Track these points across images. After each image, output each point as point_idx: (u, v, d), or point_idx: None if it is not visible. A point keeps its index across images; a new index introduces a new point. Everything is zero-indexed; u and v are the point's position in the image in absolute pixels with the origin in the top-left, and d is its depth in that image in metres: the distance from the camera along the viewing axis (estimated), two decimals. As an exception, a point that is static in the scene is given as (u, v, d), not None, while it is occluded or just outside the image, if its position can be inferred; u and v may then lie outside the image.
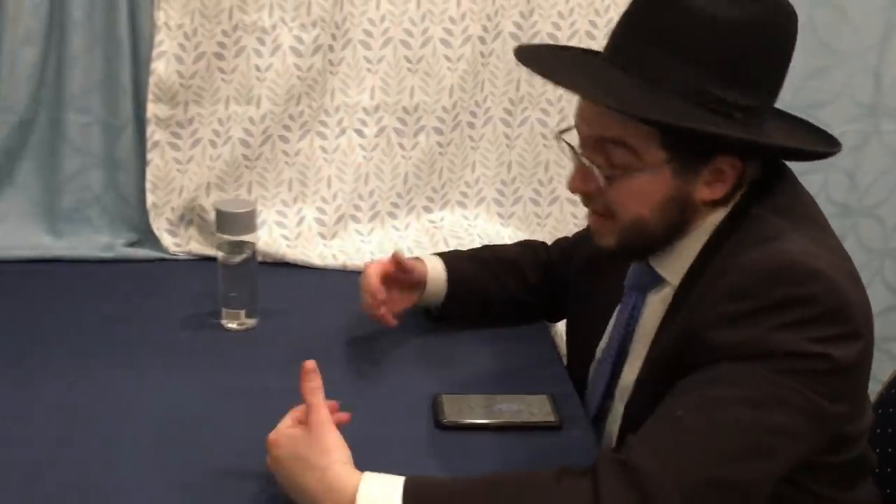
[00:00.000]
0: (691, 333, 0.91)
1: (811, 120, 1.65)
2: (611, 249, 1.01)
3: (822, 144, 1.03)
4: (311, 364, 0.92)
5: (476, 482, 0.85)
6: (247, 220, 1.27)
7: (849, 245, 1.82)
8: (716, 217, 0.97)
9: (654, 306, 1.04)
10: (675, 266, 1.01)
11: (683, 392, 0.88)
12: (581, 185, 0.99)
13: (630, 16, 0.95)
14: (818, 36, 1.70)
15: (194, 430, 1.05)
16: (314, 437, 0.88)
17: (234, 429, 1.05)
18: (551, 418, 1.10)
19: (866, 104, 1.77)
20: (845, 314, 0.86)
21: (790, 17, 0.93)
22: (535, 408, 1.12)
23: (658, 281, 1.04)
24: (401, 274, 1.26)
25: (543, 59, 1.04)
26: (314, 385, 0.91)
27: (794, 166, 1.09)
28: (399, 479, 0.84)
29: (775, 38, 0.92)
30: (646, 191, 0.95)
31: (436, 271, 1.30)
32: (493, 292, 1.33)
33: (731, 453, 0.84)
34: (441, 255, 1.35)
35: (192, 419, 1.07)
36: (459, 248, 1.63)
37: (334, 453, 0.87)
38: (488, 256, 1.36)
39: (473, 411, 1.11)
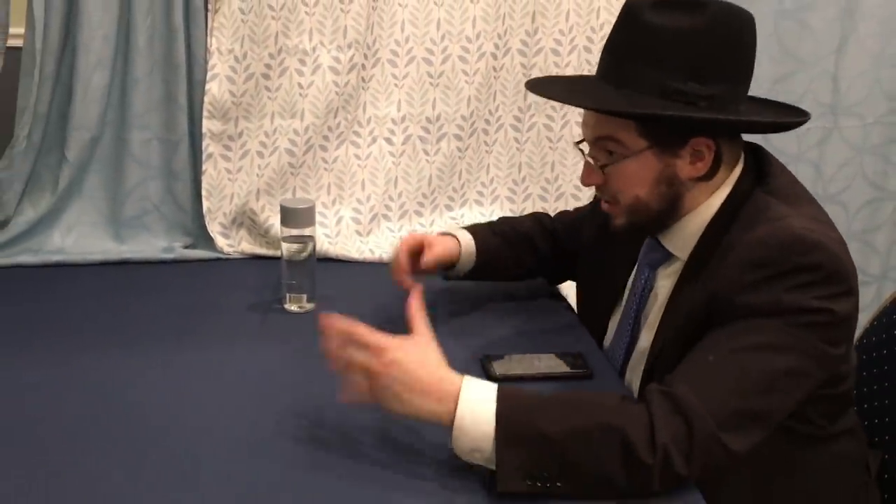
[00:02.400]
0: (716, 299, 1.08)
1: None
2: (624, 228, 1.22)
3: (787, 117, 1.23)
4: (415, 294, 1.10)
5: (555, 395, 1.04)
6: (308, 215, 1.45)
7: (817, 230, 2.07)
8: (715, 199, 1.16)
9: (665, 279, 1.23)
10: (681, 242, 1.20)
11: (712, 342, 1.06)
12: (587, 178, 1.21)
13: (610, 39, 1.18)
14: (783, 45, 1.93)
15: (278, 390, 1.22)
16: (425, 342, 1.05)
17: (311, 388, 1.21)
18: (583, 369, 1.29)
19: (827, 104, 2.00)
20: (841, 276, 1.05)
21: (736, 20, 1.13)
22: (569, 362, 1.30)
23: (667, 257, 1.23)
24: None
25: (547, 86, 1.29)
26: (418, 314, 1.08)
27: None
28: (494, 384, 1.02)
29: (723, 39, 1.11)
30: (635, 173, 1.15)
31: (468, 246, 1.47)
32: (511, 263, 1.52)
33: (754, 389, 1.01)
34: (470, 229, 1.50)
35: (274, 382, 1.24)
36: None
37: (440, 357, 1.04)
38: (507, 230, 1.53)
39: (518, 366, 1.29)
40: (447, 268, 1.47)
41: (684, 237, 1.19)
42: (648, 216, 1.18)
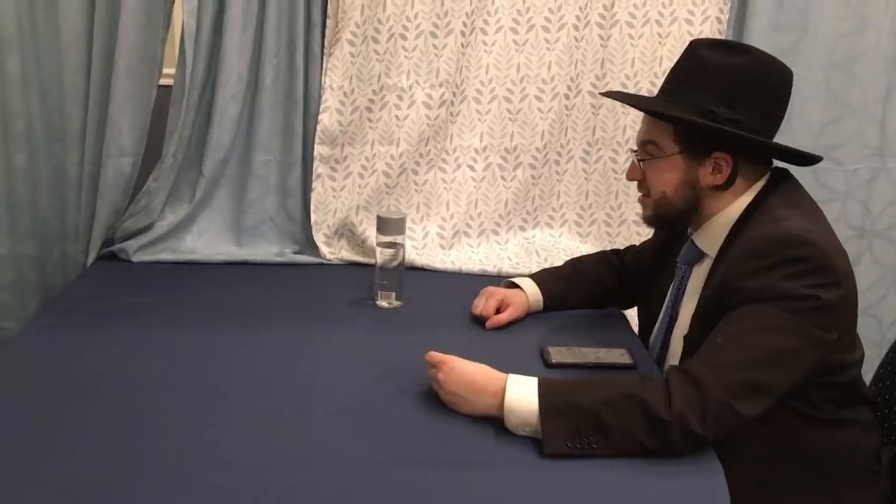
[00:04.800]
0: (725, 284, 1.30)
1: (831, 157, 2.08)
2: (649, 218, 1.47)
3: (797, 152, 1.42)
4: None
5: (585, 378, 1.27)
6: (399, 225, 1.71)
7: (865, 263, 2.22)
8: (738, 206, 1.38)
9: (698, 276, 1.45)
10: (711, 241, 1.42)
11: (721, 328, 1.27)
12: (630, 173, 1.47)
13: (673, 67, 1.45)
14: (832, 93, 2.11)
15: (368, 370, 1.44)
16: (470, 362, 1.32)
17: (402, 366, 1.43)
18: (628, 361, 1.49)
19: (874, 146, 2.15)
20: (828, 269, 1.25)
21: (771, 69, 1.36)
22: (616, 354, 1.51)
23: (700, 255, 1.45)
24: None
25: (615, 94, 1.56)
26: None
27: (817, 195, 1.44)
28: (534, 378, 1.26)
29: (755, 79, 1.35)
30: (666, 172, 1.40)
31: (535, 296, 1.69)
32: (579, 302, 1.73)
33: (756, 363, 1.22)
34: (536, 278, 1.71)
35: (365, 365, 1.47)
36: (547, 259, 2.06)
37: (487, 367, 1.30)
38: (573, 273, 1.74)
39: (570, 356, 1.49)
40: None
41: (713, 237, 1.41)
42: (671, 212, 1.43)
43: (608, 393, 1.21)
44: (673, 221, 1.46)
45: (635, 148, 1.48)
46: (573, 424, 1.19)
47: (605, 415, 1.19)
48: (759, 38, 2.04)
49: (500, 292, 1.68)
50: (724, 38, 2.02)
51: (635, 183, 1.48)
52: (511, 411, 1.23)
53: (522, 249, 2.10)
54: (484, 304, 1.66)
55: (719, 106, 1.34)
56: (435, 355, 1.33)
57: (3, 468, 1.11)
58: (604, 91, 1.54)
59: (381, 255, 1.73)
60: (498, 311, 1.66)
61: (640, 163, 1.44)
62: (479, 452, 1.20)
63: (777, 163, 1.45)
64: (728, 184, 1.38)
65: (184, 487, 1.09)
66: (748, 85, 1.35)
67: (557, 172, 2.12)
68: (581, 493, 1.13)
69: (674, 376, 1.22)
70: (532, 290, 1.70)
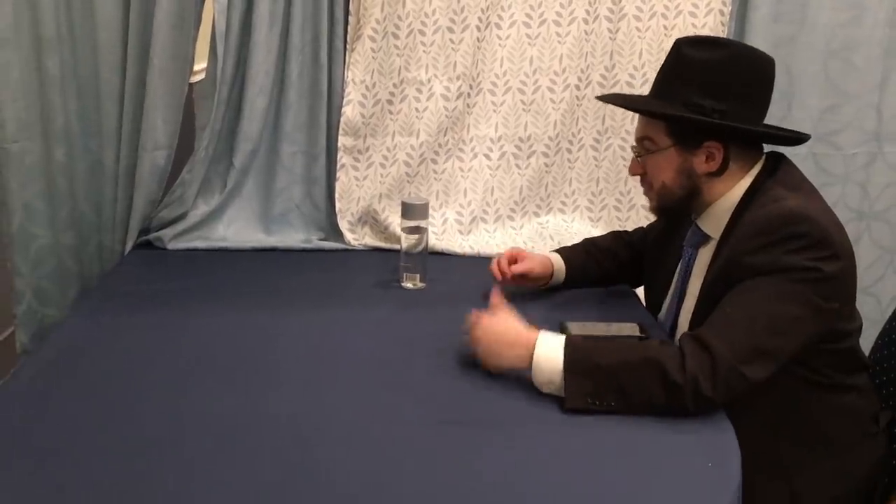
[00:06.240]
0: (731, 262, 1.40)
1: (830, 143, 2.17)
2: (655, 209, 1.58)
3: (784, 134, 1.53)
4: (496, 290, 1.48)
5: (609, 341, 1.38)
6: (423, 210, 1.81)
7: (863, 244, 2.31)
8: (738, 190, 1.47)
9: (703, 257, 1.54)
10: (715, 224, 1.51)
11: (730, 298, 1.36)
12: (632, 169, 1.59)
13: (661, 67, 1.54)
14: (830, 81, 2.20)
15: (399, 343, 1.55)
16: (506, 313, 1.42)
17: (425, 342, 1.53)
18: (640, 334, 1.59)
19: (871, 131, 2.25)
20: (828, 243, 1.34)
21: (750, 59, 1.46)
22: (630, 329, 1.59)
23: (705, 238, 1.54)
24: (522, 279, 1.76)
25: (611, 98, 1.67)
26: (498, 297, 1.46)
27: (817, 179, 1.53)
28: (562, 335, 1.36)
29: (736, 70, 1.44)
30: (662, 164, 1.51)
31: (559, 265, 1.80)
32: (596, 274, 1.84)
33: (762, 330, 1.31)
34: (560, 251, 1.84)
35: (395, 339, 1.57)
36: (560, 243, 2.15)
37: (520, 321, 1.40)
38: (591, 248, 1.86)
39: (588, 329, 1.58)
40: (540, 282, 1.79)
41: (716, 220, 1.51)
42: (673, 200, 1.52)
43: (629, 355, 1.31)
44: (676, 209, 1.55)
45: (633, 145, 1.58)
46: (594, 384, 1.29)
47: (624, 376, 1.28)
48: (760, 29, 2.13)
49: (512, 251, 1.78)
50: (726, 29, 2.12)
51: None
52: (539, 368, 1.32)
53: (536, 234, 2.19)
54: (496, 262, 1.75)
55: (705, 98, 1.44)
56: (471, 316, 1.43)
57: (50, 439, 1.18)
58: (600, 95, 1.65)
59: (406, 240, 1.82)
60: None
61: (639, 158, 1.55)
62: (501, 412, 1.29)
63: (780, 147, 1.54)
64: (722, 170, 1.48)
65: (218, 458, 1.14)
66: (730, 76, 1.45)
67: (569, 160, 2.21)
68: (600, 449, 1.21)
69: (686, 342, 1.31)
70: (555, 256, 1.80)
